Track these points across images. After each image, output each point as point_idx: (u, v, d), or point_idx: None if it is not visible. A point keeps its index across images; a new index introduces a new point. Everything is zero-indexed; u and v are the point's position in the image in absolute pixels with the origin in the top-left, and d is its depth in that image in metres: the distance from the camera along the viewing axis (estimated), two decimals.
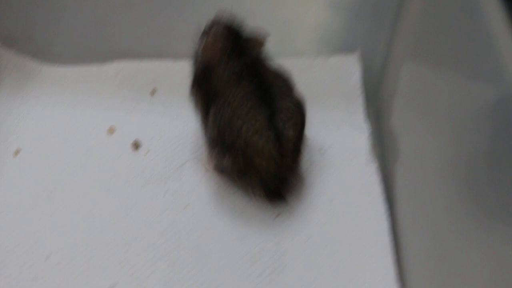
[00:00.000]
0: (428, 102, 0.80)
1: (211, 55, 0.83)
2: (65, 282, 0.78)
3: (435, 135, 0.76)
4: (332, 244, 0.83)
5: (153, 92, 1.02)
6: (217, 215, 0.85)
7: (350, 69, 1.03)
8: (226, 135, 0.80)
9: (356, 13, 1.02)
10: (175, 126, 0.97)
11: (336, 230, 0.84)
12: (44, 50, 1.07)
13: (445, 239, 0.69)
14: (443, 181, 0.71)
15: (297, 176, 0.88)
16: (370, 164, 0.92)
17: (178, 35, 1.05)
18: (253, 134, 0.78)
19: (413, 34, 0.89)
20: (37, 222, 0.84)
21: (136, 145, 0.93)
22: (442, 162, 0.72)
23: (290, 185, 0.86)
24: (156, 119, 0.98)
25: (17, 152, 0.93)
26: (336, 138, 0.95)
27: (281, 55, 1.00)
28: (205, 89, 0.84)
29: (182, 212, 0.85)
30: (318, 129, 0.96)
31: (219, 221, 0.85)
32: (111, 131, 0.96)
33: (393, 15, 0.98)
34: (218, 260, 0.81)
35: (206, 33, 0.85)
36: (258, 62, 0.84)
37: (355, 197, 0.88)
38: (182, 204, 0.86)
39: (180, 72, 1.03)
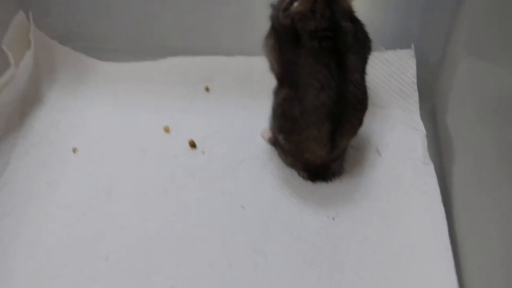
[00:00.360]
0: (488, 99, 0.76)
1: (303, 10, 0.75)
2: (123, 283, 0.77)
3: (495, 134, 0.72)
4: (390, 246, 0.80)
5: (207, 89, 0.99)
6: (274, 216, 0.83)
7: (405, 65, 0.99)
8: (287, 125, 0.80)
9: (410, 4, 0.98)
10: (231, 124, 0.95)
11: (393, 232, 0.81)
12: (98, 47, 1.07)
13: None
14: (505, 183, 0.67)
15: (341, 162, 0.87)
16: (427, 165, 0.88)
17: (231, 31, 1.02)
18: (311, 140, 0.79)
19: (475, 27, 0.85)
20: (96, 222, 0.83)
21: (193, 144, 0.92)
22: (503, 164, 0.68)
23: (332, 170, 0.86)
24: (212, 117, 0.96)
25: (75, 150, 0.92)
26: (392, 138, 0.92)
27: None
28: (287, 56, 0.77)
29: (239, 212, 0.83)
30: (373, 128, 0.94)
31: (276, 222, 0.82)
32: (167, 129, 0.94)
33: (452, 5, 0.93)
34: (276, 261, 0.79)
35: None
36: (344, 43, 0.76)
37: (412, 199, 0.84)
38: (239, 205, 0.84)
39: (235, 68, 1.02)
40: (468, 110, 0.84)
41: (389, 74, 0.99)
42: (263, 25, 0.82)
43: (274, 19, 0.79)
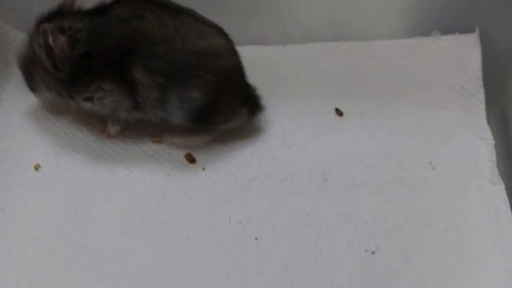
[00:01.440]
0: None
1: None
2: None
3: None
4: None
5: None
6: (296, 251, 0.87)
7: (467, 54, 1.04)
8: (180, 69, 0.91)
9: None
10: (238, 133, 0.99)
11: (453, 271, 0.84)
12: None
13: None
14: None
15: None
16: (496, 185, 0.92)
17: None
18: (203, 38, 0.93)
19: None
20: (68, 258, 0.87)
21: (191, 159, 0.97)
22: None
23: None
24: None
25: (37, 167, 0.96)
26: (450, 148, 0.97)
27: (373, 36, 1.06)
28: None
29: (251, 246, 0.87)
30: (424, 135, 0.98)
31: (299, 260, 0.86)
32: (157, 140, 0.99)
33: None
34: None
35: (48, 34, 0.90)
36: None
37: (477, 228, 0.88)
38: (250, 236, 0.88)
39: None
40: None
41: (446, 66, 1.04)
42: None
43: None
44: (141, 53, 0.90)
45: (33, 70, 0.95)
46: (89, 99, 0.93)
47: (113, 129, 0.98)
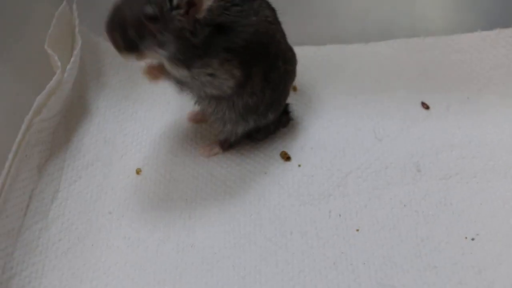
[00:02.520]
0: None
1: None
2: None
3: None
4: None
5: (295, 89, 1.07)
6: (397, 240, 0.88)
7: None
8: (283, 87, 0.96)
9: None
10: (331, 130, 1.02)
11: None
12: None
13: None
14: None
15: None
16: None
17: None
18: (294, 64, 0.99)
19: None
20: (175, 257, 0.89)
21: (286, 156, 0.99)
22: None
23: None
24: (305, 122, 1.04)
25: (139, 171, 0.99)
26: None
27: (453, 31, 1.08)
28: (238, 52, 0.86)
29: (354, 237, 0.89)
30: (509, 120, 1.00)
31: (401, 248, 0.87)
32: None
33: None
34: None
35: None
36: None
37: None
38: (352, 228, 0.90)
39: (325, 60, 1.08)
40: None
41: None
42: None
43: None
44: (268, 60, 0.90)
45: (145, 31, 0.80)
46: (211, 75, 0.86)
47: (214, 151, 1.00)
